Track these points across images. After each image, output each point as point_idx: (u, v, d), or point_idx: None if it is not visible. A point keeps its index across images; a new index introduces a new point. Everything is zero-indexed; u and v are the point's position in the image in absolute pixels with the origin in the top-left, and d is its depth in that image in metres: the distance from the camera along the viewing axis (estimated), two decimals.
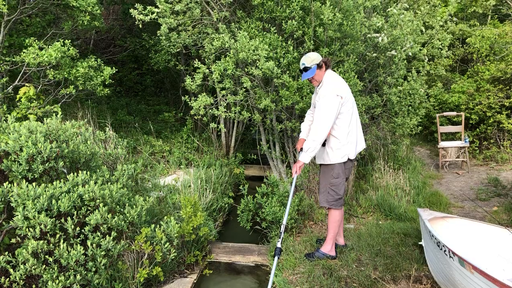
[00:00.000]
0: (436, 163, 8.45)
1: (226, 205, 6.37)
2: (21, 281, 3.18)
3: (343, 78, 4.57)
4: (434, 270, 3.90)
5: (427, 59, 6.37)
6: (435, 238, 3.57)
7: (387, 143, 7.06)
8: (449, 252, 3.35)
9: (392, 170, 6.78)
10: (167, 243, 3.95)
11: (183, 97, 6.53)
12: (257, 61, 5.32)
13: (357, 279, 4.00)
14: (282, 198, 5.46)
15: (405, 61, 5.85)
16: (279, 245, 3.70)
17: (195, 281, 4.31)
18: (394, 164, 7.04)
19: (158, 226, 4.10)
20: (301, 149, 4.26)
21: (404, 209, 5.72)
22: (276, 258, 3.63)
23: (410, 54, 5.84)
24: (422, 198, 6.20)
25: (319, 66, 4.14)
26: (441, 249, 3.49)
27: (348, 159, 4.25)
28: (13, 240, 3.33)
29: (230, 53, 5.73)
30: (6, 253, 3.22)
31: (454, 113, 8.25)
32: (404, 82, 5.90)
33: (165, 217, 4.23)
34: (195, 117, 6.20)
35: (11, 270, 3.17)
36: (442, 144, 8.06)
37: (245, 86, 5.77)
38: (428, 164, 8.49)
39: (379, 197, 6.01)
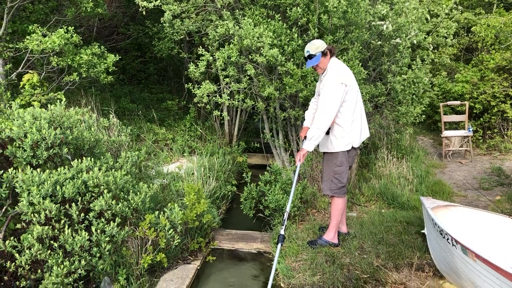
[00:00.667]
0: (439, 152, 8.44)
1: (229, 193, 6.39)
2: (27, 265, 3.21)
3: (347, 66, 4.54)
4: (437, 258, 3.91)
5: (432, 47, 6.31)
6: (438, 226, 3.58)
7: (391, 132, 7.04)
8: (452, 240, 3.36)
9: (395, 159, 6.78)
10: (171, 230, 3.98)
11: (186, 84, 6.51)
12: (261, 49, 5.29)
13: (359, 267, 4.02)
14: (285, 186, 5.47)
15: (410, 49, 5.81)
16: (282, 232, 3.72)
17: (198, 268, 4.35)
18: (397, 153, 7.03)
19: (162, 212, 4.12)
20: (305, 137, 4.26)
21: (407, 197, 5.73)
22: (279, 245, 3.65)
23: (415, 42, 5.79)
24: (425, 187, 6.20)
25: (323, 53, 4.12)
26: (444, 237, 3.50)
27: (352, 147, 4.25)
28: (19, 226, 3.35)
29: (234, 40, 5.70)
30: (12, 238, 3.25)
31: (458, 102, 8.21)
32: (408, 71, 5.87)
33: (169, 204, 4.25)
34: (198, 105, 6.19)
35: (16, 255, 3.20)
36: (446, 133, 8.04)
37: (249, 73, 5.75)
38: (431, 153, 8.48)
39: (382, 186, 6.02)
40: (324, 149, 4.36)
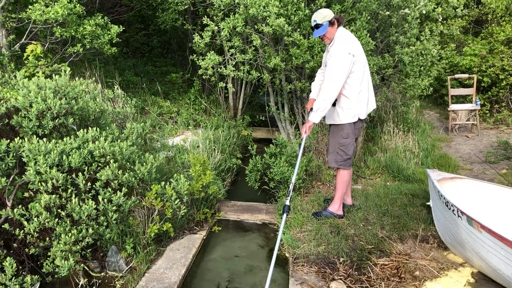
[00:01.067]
0: (445, 126, 8.38)
1: (234, 165, 6.38)
2: (35, 233, 3.25)
3: (355, 36, 4.46)
4: (441, 229, 3.93)
5: (441, 18, 6.18)
6: (444, 198, 3.57)
7: (397, 105, 6.98)
8: (457, 211, 3.36)
9: (402, 132, 6.74)
10: (177, 200, 3.99)
11: (190, 56, 6.44)
12: (267, 18, 5.19)
13: (364, 238, 4.05)
14: (291, 158, 5.46)
15: (418, 20, 5.69)
16: (287, 202, 3.72)
17: (204, 238, 4.39)
18: (404, 127, 6.99)
19: (168, 183, 4.13)
20: (311, 109, 4.22)
21: (413, 170, 5.72)
22: (284, 215, 3.65)
23: (424, 12, 5.67)
24: (431, 160, 6.18)
25: (331, 23, 4.03)
26: (449, 208, 3.50)
27: (359, 119, 4.21)
28: (26, 194, 3.37)
29: (239, 10, 5.60)
30: (20, 206, 3.28)
31: (466, 75, 8.09)
32: (416, 42, 5.77)
33: (175, 175, 4.26)
34: (203, 76, 6.13)
35: (25, 223, 3.24)
36: (453, 106, 7.96)
37: (254, 44, 5.67)
38: (438, 127, 8.42)
39: (388, 159, 6.01)
40: (331, 121, 4.33)
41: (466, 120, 8.08)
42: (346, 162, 4.31)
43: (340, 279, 3.49)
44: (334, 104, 4.14)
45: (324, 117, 4.28)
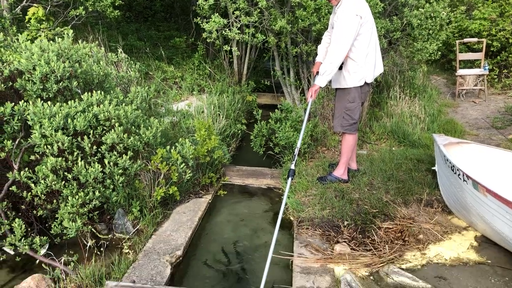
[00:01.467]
0: (452, 91, 8.27)
1: (239, 131, 6.36)
2: (43, 195, 3.28)
3: None
4: (446, 194, 3.94)
5: None
6: (450, 162, 3.56)
7: (404, 70, 6.87)
8: (463, 175, 3.35)
9: (408, 97, 6.66)
10: (183, 164, 4.00)
11: (195, 18, 6.32)
12: None
13: (368, 202, 4.07)
14: (296, 123, 5.44)
15: None
16: (292, 166, 3.72)
17: (210, 201, 4.43)
18: (410, 92, 6.91)
19: (173, 147, 4.13)
20: (317, 72, 4.16)
21: (418, 136, 5.69)
22: (289, 179, 3.66)
23: None
24: (437, 126, 6.14)
25: None
26: (455, 173, 3.50)
27: (365, 82, 4.15)
28: (32, 157, 3.38)
29: None
30: (27, 169, 3.29)
31: (475, 40, 7.91)
32: (426, 4, 5.61)
33: (180, 139, 4.25)
34: (207, 40, 6.02)
35: (32, 185, 3.26)
36: (460, 71, 7.83)
37: (259, 6, 5.53)
38: (444, 93, 8.32)
39: (394, 124, 5.97)
40: (337, 85, 4.27)
41: (473, 86, 7.96)
42: (351, 127, 4.29)
43: (344, 241, 3.53)
44: (340, 68, 4.07)
45: (330, 81, 4.22)
